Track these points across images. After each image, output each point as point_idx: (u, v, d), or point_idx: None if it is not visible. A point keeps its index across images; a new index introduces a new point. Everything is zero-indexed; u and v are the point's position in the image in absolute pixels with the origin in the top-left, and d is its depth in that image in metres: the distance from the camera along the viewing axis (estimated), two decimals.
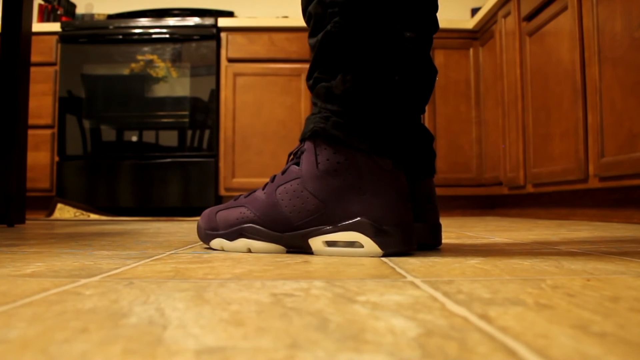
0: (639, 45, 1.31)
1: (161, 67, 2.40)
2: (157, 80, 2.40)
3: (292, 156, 0.63)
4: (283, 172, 0.61)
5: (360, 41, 0.57)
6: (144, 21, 2.45)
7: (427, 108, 2.30)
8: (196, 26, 2.42)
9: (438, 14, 0.71)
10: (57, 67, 2.44)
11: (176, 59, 2.40)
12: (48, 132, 2.42)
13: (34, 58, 2.08)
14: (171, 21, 2.44)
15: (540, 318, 0.26)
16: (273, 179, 0.62)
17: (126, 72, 2.40)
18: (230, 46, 2.45)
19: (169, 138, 2.39)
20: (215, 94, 2.41)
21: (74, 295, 0.33)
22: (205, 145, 2.39)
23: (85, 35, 2.42)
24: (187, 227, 1.29)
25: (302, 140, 0.60)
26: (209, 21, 2.43)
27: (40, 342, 0.22)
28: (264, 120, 2.42)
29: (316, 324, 0.25)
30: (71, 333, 0.24)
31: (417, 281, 0.38)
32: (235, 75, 2.43)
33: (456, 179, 2.40)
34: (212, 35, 2.41)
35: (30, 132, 2.25)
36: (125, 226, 1.38)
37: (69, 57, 2.40)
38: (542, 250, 0.62)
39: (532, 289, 0.34)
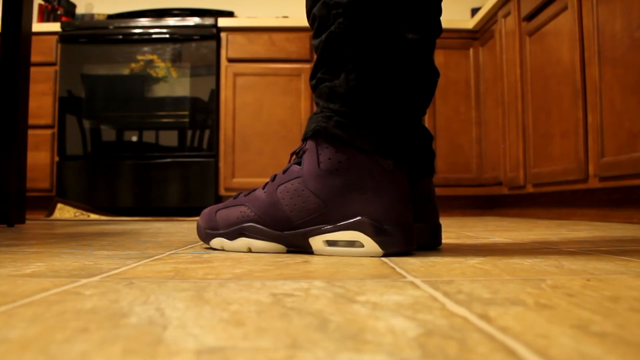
0: (639, 46, 1.31)
1: (161, 67, 2.40)
2: (157, 80, 2.40)
3: (294, 156, 0.63)
4: (284, 172, 0.61)
5: (363, 42, 0.57)
6: (144, 21, 2.45)
7: None
8: (196, 26, 2.43)
9: None
10: (57, 67, 2.44)
11: (176, 59, 2.40)
12: (48, 132, 2.42)
13: (34, 58, 2.08)
14: (171, 21, 2.44)
15: (540, 318, 0.26)
16: (274, 178, 0.62)
17: (126, 72, 2.40)
18: (230, 46, 2.45)
19: (169, 138, 2.39)
20: (215, 94, 2.41)
21: (74, 295, 0.33)
22: (205, 145, 2.39)
23: (85, 35, 2.42)
24: (187, 227, 1.29)
25: (304, 139, 0.60)
26: (209, 21, 2.43)
27: (40, 342, 0.22)
28: (264, 121, 2.42)
29: (316, 324, 0.25)
30: (71, 333, 0.24)
31: (417, 281, 0.38)
32: (235, 75, 2.43)
33: (456, 179, 2.40)
34: (212, 35, 2.41)
35: (30, 132, 2.25)
36: (125, 226, 1.38)
37: (69, 57, 2.40)
38: (542, 250, 0.62)
39: (532, 289, 0.34)
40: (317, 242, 0.58)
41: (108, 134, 2.39)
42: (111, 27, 2.43)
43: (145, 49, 2.41)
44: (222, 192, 2.39)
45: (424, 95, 0.68)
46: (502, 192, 2.17)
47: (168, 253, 0.61)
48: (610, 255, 0.55)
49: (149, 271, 0.45)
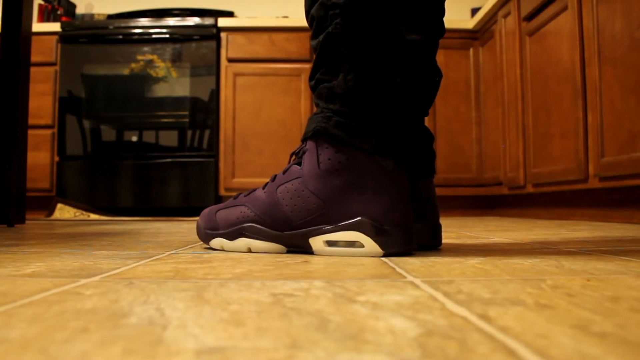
0: (639, 46, 1.31)
1: (161, 67, 2.40)
2: (157, 80, 2.40)
3: (294, 156, 0.63)
4: (284, 172, 0.61)
5: (361, 42, 0.57)
6: (144, 21, 2.45)
7: None
8: (196, 26, 2.42)
9: None
10: (57, 67, 2.44)
11: (176, 59, 2.40)
12: (48, 132, 2.42)
13: (34, 58, 2.08)
14: (171, 21, 2.44)
15: (540, 318, 0.26)
16: (274, 178, 0.62)
17: (126, 72, 2.40)
18: (230, 46, 2.45)
19: (169, 138, 2.39)
20: (215, 94, 2.41)
21: (74, 295, 0.33)
22: (205, 145, 2.39)
23: (85, 35, 2.42)
24: (187, 227, 1.29)
25: (304, 139, 0.60)
26: (209, 21, 2.43)
27: (40, 342, 0.22)
28: (264, 120, 2.42)
29: (316, 324, 0.25)
30: (71, 333, 0.24)
31: (417, 281, 0.38)
32: (235, 75, 2.43)
33: (456, 179, 2.40)
34: (212, 35, 2.41)
35: (30, 132, 2.25)
36: (125, 226, 1.38)
37: (69, 57, 2.40)
38: (542, 250, 0.62)
39: (532, 289, 0.34)
40: (317, 242, 0.58)
41: (108, 134, 2.39)
42: (111, 27, 2.43)
43: (145, 49, 2.41)
44: (222, 192, 2.39)
45: (426, 96, 0.68)
46: (502, 192, 2.17)
47: (168, 253, 0.61)
48: (610, 255, 0.55)
49: (149, 271, 0.45)
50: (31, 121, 2.23)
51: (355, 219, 0.56)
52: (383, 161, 0.56)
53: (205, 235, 0.67)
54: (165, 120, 2.40)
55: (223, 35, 2.46)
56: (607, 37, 1.44)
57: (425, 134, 0.69)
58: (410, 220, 0.57)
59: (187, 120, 2.39)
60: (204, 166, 2.37)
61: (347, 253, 0.56)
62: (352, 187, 0.56)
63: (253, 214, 0.62)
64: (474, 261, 0.51)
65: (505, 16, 2.12)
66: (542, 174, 1.81)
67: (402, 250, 0.56)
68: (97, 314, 0.28)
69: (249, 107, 2.43)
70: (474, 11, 2.69)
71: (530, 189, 1.92)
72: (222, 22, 2.45)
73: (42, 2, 2.78)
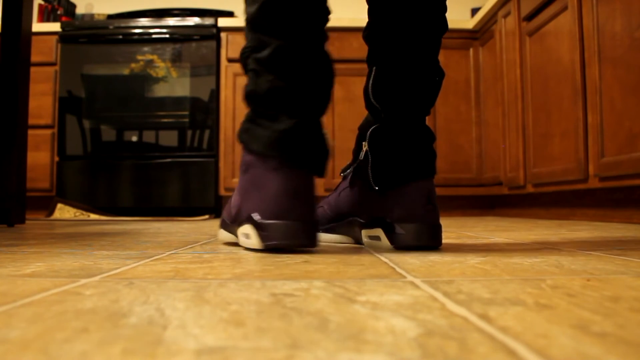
0: (639, 45, 1.31)
1: (161, 67, 2.40)
2: (157, 80, 2.40)
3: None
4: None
5: (261, 56, 0.64)
6: (144, 21, 2.45)
7: None
8: (196, 26, 2.42)
9: None
10: (57, 67, 2.44)
11: (176, 59, 2.40)
12: (48, 132, 2.42)
13: (34, 58, 2.07)
14: (171, 21, 2.44)
15: (540, 318, 0.26)
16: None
17: (126, 72, 2.40)
18: (230, 46, 2.45)
19: (169, 138, 2.39)
20: (215, 94, 2.41)
21: (74, 295, 0.33)
22: (205, 145, 2.39)
23: (85, 35, 2.42)
24: (187, 227, 1.29)
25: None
26: (209, 21, 2.43)
27: (40, 342, 0.22)
28: None
29: (316, 324, 0.25)
30: (71, 333, 0.24)
31: (417, 281, 0.38)
32: (235, 75, 2.43)
33: (456, 179, 2.40)
34: (212, 35, 2.41)
35: (30, 132, 2.25)
36: (125, 226, 1.38)
37: (69, 57, 2.40)
38: (542, 250, 0.62)
39: (532, 289, 0.34)
40: (239, 234, 0.66)
41: (108, 134, 2.39)
42: (111, 27, 2.43)
43: (145, 49, 2.41)
44: (222, 192, 2.39)
45: (427, 96, 0.68)
46: (502, 192, 2.17)
47: (168, 253, 0.61)
48: (610, 255, 0.55)
49: (149, 271, 0.45)
50: (31, 121, 2.23)
51: (247, 214, 0.62)
52: (269, 160, 0.61)
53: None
54: (165, 120, 2.40)
55: (223, 35, 2.46)
56: (607, 37, 1.44)
57: (426, 133, 0.69)
58: (304, 215, 0.59)
59: (187, 120, 2.39)
60: (204, 166, 2.37)
61: (247, 244, 0.63)
62: (253, 185, 0.62)
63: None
64: (474, 261, 0.51)
65: (505, 16, 2.12)
66: (542, 174, 1.81)
67: (283, 245, 0.59)
68: (97, 314, 0.28)
69: None
70: (474, 11, 2.70)
71: (530, 189, 1.92)
72: (222, 22, 2.45)
73: (42, 2, 2.78)
